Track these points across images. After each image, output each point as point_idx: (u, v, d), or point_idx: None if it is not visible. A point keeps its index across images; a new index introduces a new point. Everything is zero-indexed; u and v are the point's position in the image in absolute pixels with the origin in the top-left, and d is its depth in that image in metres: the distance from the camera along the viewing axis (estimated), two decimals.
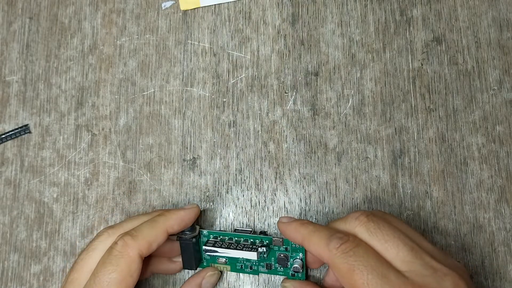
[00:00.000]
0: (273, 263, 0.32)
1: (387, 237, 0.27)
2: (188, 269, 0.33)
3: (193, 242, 0.32)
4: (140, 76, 0.38)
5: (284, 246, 0.32)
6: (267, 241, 0.32)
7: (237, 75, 0.37)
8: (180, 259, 0.33)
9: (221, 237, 0.33)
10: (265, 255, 0.31)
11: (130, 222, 0.31)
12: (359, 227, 0.28)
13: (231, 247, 0.32)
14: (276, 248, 0.32)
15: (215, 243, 0.32)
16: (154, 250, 0.30)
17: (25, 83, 0.39)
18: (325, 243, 0.27)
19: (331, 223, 0.30)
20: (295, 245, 0.31)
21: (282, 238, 0.32)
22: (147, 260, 0.31)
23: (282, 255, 0.32)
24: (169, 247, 0.33)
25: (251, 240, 0.32)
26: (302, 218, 0.35)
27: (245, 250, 0.31)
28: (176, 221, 0.31)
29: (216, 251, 0.32)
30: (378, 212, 0.29)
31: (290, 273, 0.32)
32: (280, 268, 0.32)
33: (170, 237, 0.31)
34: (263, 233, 0.34)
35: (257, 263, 0.32)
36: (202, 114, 0.37)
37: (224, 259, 0.33)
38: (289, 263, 0.32)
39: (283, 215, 0.35)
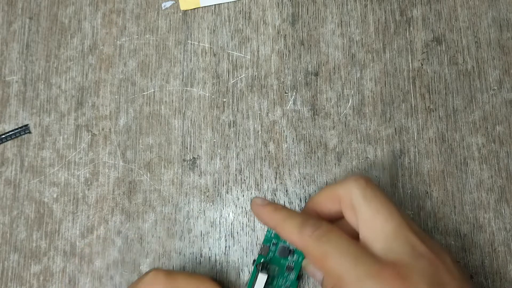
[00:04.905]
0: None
1: (379, 206, 0.26)
2: None
3: None
4: (140, 76, 0.38)
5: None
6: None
7: (237, 75, 0.37)
8: None
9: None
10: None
11: (185, 279, 0.30)
12: (356, 189, 0.27)
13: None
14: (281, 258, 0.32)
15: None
16: None
17: (25, 83, 0.39)
18: (298, 230, 0.27)
19: (328, 186, 0.30)
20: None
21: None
22: None
23: (284, 246, 0.32)
24: None
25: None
26: None
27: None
28: None
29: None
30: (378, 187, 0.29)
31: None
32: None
33: None
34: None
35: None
36: (202, 114, 0.37)
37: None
38: (289, 256, 0.32)
39: (257, 196, 0.34)
